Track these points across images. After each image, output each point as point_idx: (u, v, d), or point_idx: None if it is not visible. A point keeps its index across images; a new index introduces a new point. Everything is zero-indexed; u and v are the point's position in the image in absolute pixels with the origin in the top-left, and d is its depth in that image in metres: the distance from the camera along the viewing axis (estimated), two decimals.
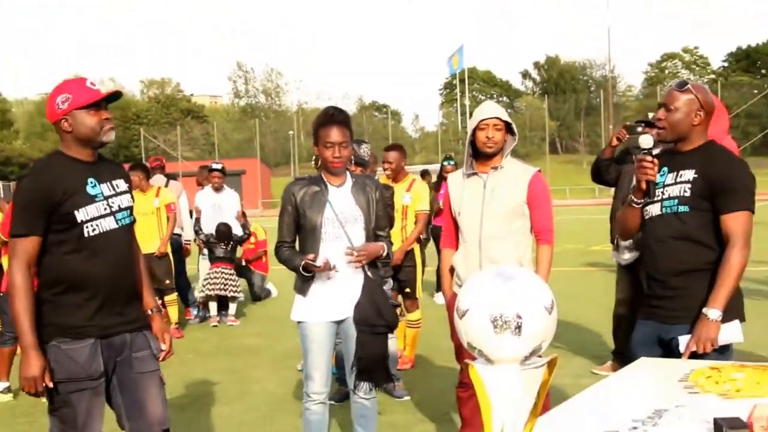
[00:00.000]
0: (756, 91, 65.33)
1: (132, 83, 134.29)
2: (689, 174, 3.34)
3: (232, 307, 10.17)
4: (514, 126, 4.22)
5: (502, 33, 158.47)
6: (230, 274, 10.05)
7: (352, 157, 4.92)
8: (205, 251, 10.29)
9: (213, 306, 10.05)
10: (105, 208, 3.36)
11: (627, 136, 6.30)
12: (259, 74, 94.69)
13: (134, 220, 3.57)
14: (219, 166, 10.18)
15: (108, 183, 3.42)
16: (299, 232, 4.21)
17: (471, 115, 4.43)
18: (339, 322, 4.21)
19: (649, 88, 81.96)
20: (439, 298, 10.09)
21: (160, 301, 9.15)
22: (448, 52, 62.66)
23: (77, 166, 3.35)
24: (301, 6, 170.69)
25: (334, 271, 4.06)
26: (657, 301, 3.47)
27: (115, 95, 3.47)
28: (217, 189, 10.03)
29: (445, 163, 11.70)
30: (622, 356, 6.27)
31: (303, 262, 4.02)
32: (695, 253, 3.33)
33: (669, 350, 3.34)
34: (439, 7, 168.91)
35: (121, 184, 3.49)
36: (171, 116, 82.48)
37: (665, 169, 3.45)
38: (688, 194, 3.33)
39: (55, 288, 3.30)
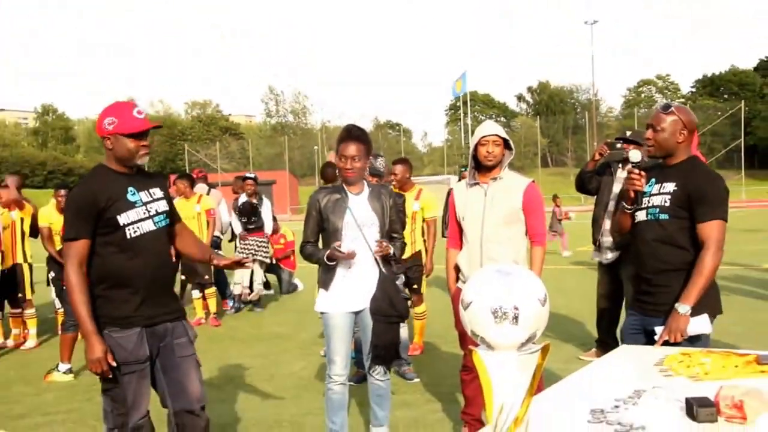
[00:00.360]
0: (719, 113, 64.92)
1: (177, 104, 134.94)
2: (670, 186, 3.34)
3: (258, 287, 10.13)
4: (510, 142, 4.20)
5: (499, 61, 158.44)
6: (261, 241, 9.99)
7: (369, 168, 4.91)
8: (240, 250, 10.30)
9: (246, 274, 10.02)
10: (144, 213, 3.36)
11: (608, 151, 6.29)
12: (288, 97, 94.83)
13: (170, 223, 3.53)
14: (252, 176, 10.20)
15: (146, 191, 3.42)
16: (322, 233, 4.21)
17: (473, 132, 4.41)
18: (357, 313, 4.20)
19: (628, 109, 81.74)
20: None
21: (200, 294, 9.28)
22: (452, 78, 62.52)
23: (118, 176, 3.36)
24: (327, 38, 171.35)
25: (353, 260, 4.06)
26: (643, 296, 3.47)
27: (155, 127, 3.46)
28: (251, 196, 10.05)
29: (463, 169, 11.79)
30: (605, 344, 6.25)
31: (329, 252, 4.02)
32: (675, 254, 3.32)
33: (652, 340, 3.33)
34: (446, 38, 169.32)
35: (158, 192, 3.48)
36: (211, 133, 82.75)
37: (653, 180, 3.45)
38: (667, 204, 3.33)
39: (105, 284, 3.31)
